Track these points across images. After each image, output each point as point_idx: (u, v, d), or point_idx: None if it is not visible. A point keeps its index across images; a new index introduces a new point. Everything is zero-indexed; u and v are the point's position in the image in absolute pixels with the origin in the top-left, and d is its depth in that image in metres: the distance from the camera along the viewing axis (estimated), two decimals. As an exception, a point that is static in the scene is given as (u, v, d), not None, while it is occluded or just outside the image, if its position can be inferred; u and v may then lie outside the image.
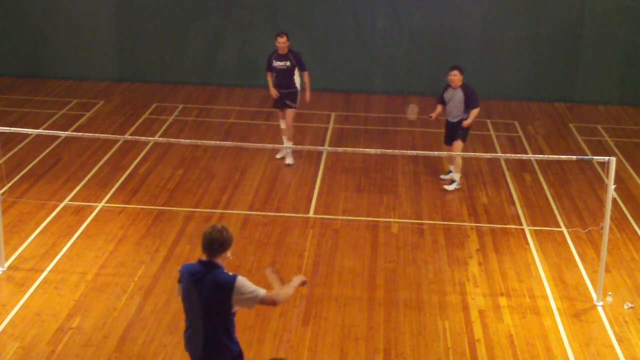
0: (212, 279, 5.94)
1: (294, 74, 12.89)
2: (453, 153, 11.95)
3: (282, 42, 12.66)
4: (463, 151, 12.24)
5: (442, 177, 12.72)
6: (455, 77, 11.98)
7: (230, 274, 5.99)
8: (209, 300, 5.95)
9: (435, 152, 12.89)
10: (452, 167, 12.50)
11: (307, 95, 12.98)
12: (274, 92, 12.91)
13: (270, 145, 13.25)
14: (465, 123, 12.02)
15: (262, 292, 5.97)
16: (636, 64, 17.10)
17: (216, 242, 5.95)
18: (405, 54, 17.40)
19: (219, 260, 6.02)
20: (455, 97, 12.04)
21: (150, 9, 17.60)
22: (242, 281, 5.94)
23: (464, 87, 12.02)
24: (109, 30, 17.68)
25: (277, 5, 17.37)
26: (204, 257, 6.05)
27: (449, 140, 12.36)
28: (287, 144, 13.05)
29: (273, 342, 8.30)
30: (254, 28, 17.20)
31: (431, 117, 12.38)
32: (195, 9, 17.46)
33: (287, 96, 12.96)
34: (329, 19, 17.36)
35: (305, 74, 12.92)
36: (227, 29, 17.48)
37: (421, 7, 17.18)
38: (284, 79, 12.86)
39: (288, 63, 12.76)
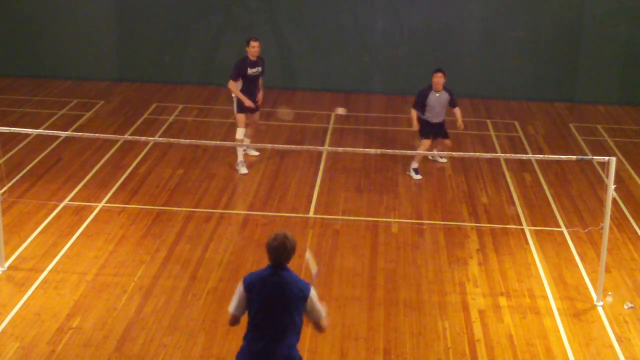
0: (289, 279, 6.05)
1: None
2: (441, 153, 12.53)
3: (256, 47, 12.35)
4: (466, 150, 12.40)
5: (439, 159, 13.31)
6: (442, 79, 12.42)
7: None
8: (290, 298, 6.01)
9: (435, 152, 13.00)
10: (442, 160, 13.30)
11: (261, 95, 12.80)
12: (250, 102, 12.42)
13: (270, 146, 13.23)
14: (462, 124, 12.82)
15: (324, 312, 6.14)
16: (636, 63, 17.10)
17: (284, 252, 6.03)
18: (405, 54, 17.40)
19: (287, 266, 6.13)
20: (442, 98, 12.52)
21: (150, 9, 17.60)
22: (314, 291, 6.09)
23: (445, 88, 12.52)
24: (109, 30, 17.67)
25: (277, 5, 17.37)
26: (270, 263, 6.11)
27: (434, 136, 12.70)
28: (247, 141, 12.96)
29: (273, 342, 8.30)
30: (254, 28, 17.19)
31: (415, 128, 12.62)
32: (195, 9, 17.45)
33: (256, 101, 12.70)
34: (329, 19, 17.36)
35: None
36: (227, 29, 17.47)
37: (421, 7, 17.17)
38: (255, 86, 12.61)
39: (260, 69, 12.55)
